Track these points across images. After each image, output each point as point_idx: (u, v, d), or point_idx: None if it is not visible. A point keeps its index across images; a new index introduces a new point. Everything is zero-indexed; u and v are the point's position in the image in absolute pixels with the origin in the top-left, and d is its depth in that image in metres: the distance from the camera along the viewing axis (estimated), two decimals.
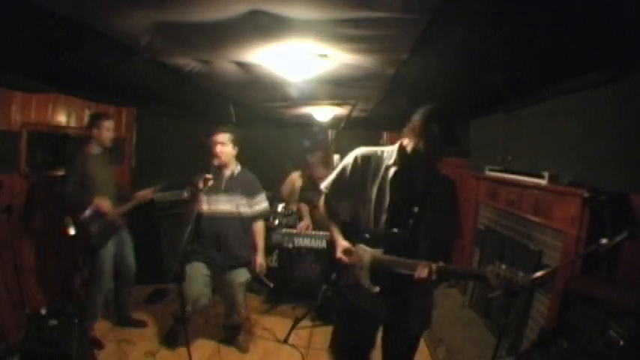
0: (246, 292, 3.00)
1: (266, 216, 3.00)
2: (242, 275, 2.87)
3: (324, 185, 1.87)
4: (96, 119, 2.97)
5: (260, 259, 2.96)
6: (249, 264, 2.94)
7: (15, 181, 2.86)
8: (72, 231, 2.82)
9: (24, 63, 2.36)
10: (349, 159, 1.79)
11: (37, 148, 3.03)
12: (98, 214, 2.82)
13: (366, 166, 1.74)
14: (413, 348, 1.84)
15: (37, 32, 1.79)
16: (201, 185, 2.58)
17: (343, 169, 1.80)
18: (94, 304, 2.92)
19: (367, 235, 1.71)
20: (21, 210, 2.90)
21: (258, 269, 2.94)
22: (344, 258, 1.73)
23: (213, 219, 2.75)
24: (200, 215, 2.72)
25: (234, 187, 2.81)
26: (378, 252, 1.67)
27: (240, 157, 2.97)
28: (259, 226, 2.99)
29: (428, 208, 1.63)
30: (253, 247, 2.95)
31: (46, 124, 3.13)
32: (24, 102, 2.90)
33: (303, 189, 3.97)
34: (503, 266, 1.40)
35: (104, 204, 2.86)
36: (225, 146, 2.76)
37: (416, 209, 1.63)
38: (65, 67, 2.46)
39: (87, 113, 3.58)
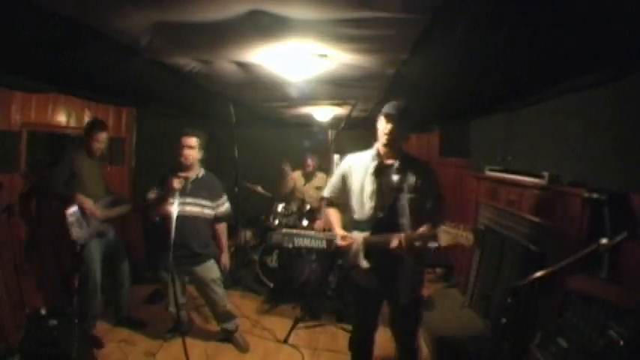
0: (222, 286, 3.00)
1: (228, 218, 3.04)
2: (211, 271, 2.90)
3: (325, 192, 2.31)
4: (90, 128, 2.97)
5: (225, 258, 3.01)
6: (216, 258, 2.98)
7: (15, 181, 2.86)
8: None
9: (24, 63, 2.35)
10: (340, 167, 2.23)
11: (37, 148, 3.03)
12: (80, 212, 2.82)
13: (352, 169, 2.14)
14: (411, 318, 2.15)
15: (37, 32, 1.79)
16: (176, 185, 2.63)
17: (337, 176, 2.23)
18: (89, 305, 2.91)
19: (358, 222, 2.09)
20: (21, 210, 2.90)
21: (223, 268, 2.99)
22: (342, 243, 2.09)
23: (178, 220, 2.70)
24: (168, 218, 2.70)
25: (198, 189, 2.83)
26: (367, 234, 2.02)
27: (240, 158, 2.97)
28: (223, 227, 3.02)
29: (405, 193, 1.97)
30: (219, 247, 2.99)
31: (46, 124, 3.13)
32: (24, 102, 2.90)
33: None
34: (453, 225, 1.75)
35: (86, 202, 2.84)
36: (192, 149, 2.77)
37: (394, 195, 1.97)
38: (65, 67, 2.46)
39: (87, 113, 3.59)
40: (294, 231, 3.64)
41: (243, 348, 3.03)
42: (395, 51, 2.15)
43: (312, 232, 3.53)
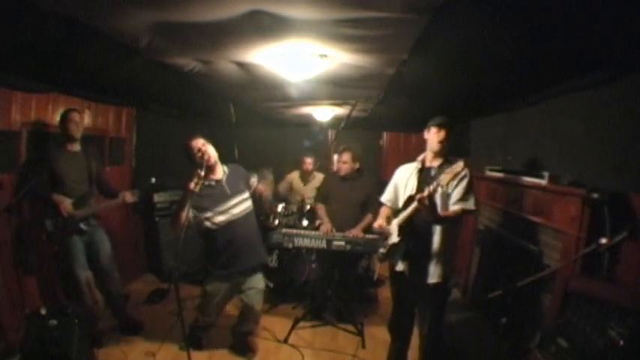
0: (262, 299, 2.92)
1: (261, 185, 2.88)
2: (261, 282, 2.83)
3: (382, 198, 2.63)
4: (63, 113, 2.92)
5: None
6: (264, 268, 2.92)
7: (15, 181, 2.85)
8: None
9: (24, 63, 2.36)
10: (392, 178, 2.60)
11: (37, 148, 3.03)
12: (56, 213, 2.77)
13: (400, 176, 2.54)
14: (436, 301, 2.37)
15: (37, 32, 1.79)
16: (192, 186, 2.39)
17: (390, 185, 2.60)
18: (80, 301, 2.87)
19: (403, 206, 2.40)
20: (21, 210, 2.90)
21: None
22: (376, 226, 2.49)
23: (229, 228, 2.60)
24: (214, 230, 2.59)
25: (235, 186, 2.67)
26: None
27: (240, 158, 2.93)
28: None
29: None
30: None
31: (46, 124, 3.13)
32: (24, 102, 2.90)
33: (322, 189, 3.86)
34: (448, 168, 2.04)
35: (64, 203, 2.77)
36: (207, 146, 2.56)
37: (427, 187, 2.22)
38: (65, 67, 2.46)
39: (87, 113, 3.58)
40: (294, 231, 3.66)
41: (251, 356, 2.94)
42: (395, 51, 2.15)
43: (312, 232, 3.56)
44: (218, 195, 2.57)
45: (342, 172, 3.55)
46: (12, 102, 2.81)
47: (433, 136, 2.35)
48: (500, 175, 3.23)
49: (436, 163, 2.38)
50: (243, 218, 2.65)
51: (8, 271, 2.75)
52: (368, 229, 3.45)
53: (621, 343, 1.61)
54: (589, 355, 1.73)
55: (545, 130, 2.84)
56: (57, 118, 3.24)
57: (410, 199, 2.29)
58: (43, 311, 2.34)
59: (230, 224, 2.60)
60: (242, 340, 2.99)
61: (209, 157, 2.53)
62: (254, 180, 2.80)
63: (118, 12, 1.69)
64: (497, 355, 2.45)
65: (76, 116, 2.92)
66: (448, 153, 2.39)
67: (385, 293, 4.25)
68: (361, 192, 3.54)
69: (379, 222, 2.49)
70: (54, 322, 2.31)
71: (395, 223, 2.40)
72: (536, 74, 2.31)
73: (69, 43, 1.95)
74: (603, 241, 1.66)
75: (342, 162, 3.54)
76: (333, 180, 3.77)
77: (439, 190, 2.09)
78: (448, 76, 2.51)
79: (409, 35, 1.86)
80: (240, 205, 2.66)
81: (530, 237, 2.71)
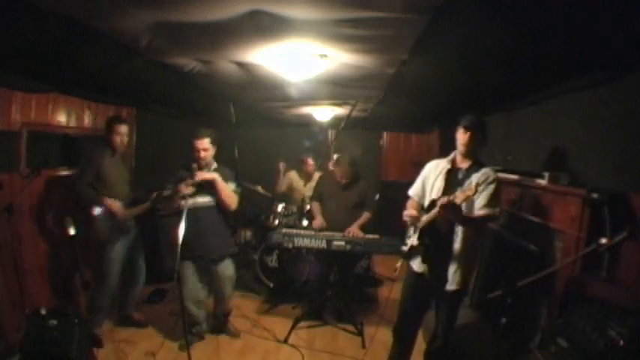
0: (234, 286, 3.13)
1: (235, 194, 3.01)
2: (228, 268, 3.03)
3: (410, 191, 2.57)
4: (110, 122, 3.04)
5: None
6: (233, 256, 3.09)
7: (15, 181, 2.85)
8: (72, 231, 2.82)
9: (24, 63, 2.36)
10: (422, 171, 2.53)
11: (37, 148, 3.03)
12: (108, 214, 2.90)
13: (430, 171, 2.46)
14: (453, 306, 2.37)
15: (37, 32, 1.79)
16: (186, 190, 2.68)
17: (419, 178, 2.54)
18: (101, 302, 2.95)
19: (426, 208, 2.37)
20: (21, 210, 2.90)
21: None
22: (406, 216, 2.42)
23: (192, 213, 2.73)
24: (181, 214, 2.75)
25: (209, 184, 2.85)
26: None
27: (240, 158, 2.97)
28: None
29: (465, 188, 2.12)
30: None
31: (46, 124, 3.13)
32: (24, 102, 2.90)
33: (317, 188, 3.88)
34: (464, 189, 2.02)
35: (115, 205, 2.91)
36: (207, 151, 2.84)
37: (456, 189, 2.16)
38: (65, 67, 2.46)
39: (87, 113, 3.59)
40: (294, 231, 3.66)
41: (233, 333, 3.19)
42: (395, 51, 2.15)
43: (312, 232, 3.56)
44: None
45: (343, 180, 3.61)
46: (12, 102, 2.81)
47: (459, 137, 2.28)
48: (500, 175, 3.22)
49: (465, 164, 2.29)
50: (208, 209, 2.89)
51: (8, 271, 2.75)
52: (365, 226, 3.52)
53: (621, 343, 1.61)
54: (589, 355, 1.72)
55: (545, 130, 2.84)
56: (57, 118, 3.26)
57: (432, 204, 2.25)
58: (43, 311, 2.34)
59: (194, 210, 2.78)
60: (221, 322, 3.21)
61: (204, 159, 2.83)
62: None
63: (118, 12, 1.69)
64: (497, 355, 2.46)
65: (122, 129, 3.02)
66: (477, 153, 2.32)
67: (385, 293, 4.25)
68: (356, 195, 3.61)
69: (410, 212, 2.43)
70: (54, 322, 2.30)
71: (420, 222, 2.35)
72: (536, 74, 2.31)
73: (69, 43, 1.95)
74: (603, 241, 1.66)
75: (343, 174, 3.58)
76: (330, 182, 3.76)
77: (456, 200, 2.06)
78: (448, 76, 2.51)
79: (409, 35, 1.86)
80: (206, 197, 2.88)
81: (531, 237, 2.71)
